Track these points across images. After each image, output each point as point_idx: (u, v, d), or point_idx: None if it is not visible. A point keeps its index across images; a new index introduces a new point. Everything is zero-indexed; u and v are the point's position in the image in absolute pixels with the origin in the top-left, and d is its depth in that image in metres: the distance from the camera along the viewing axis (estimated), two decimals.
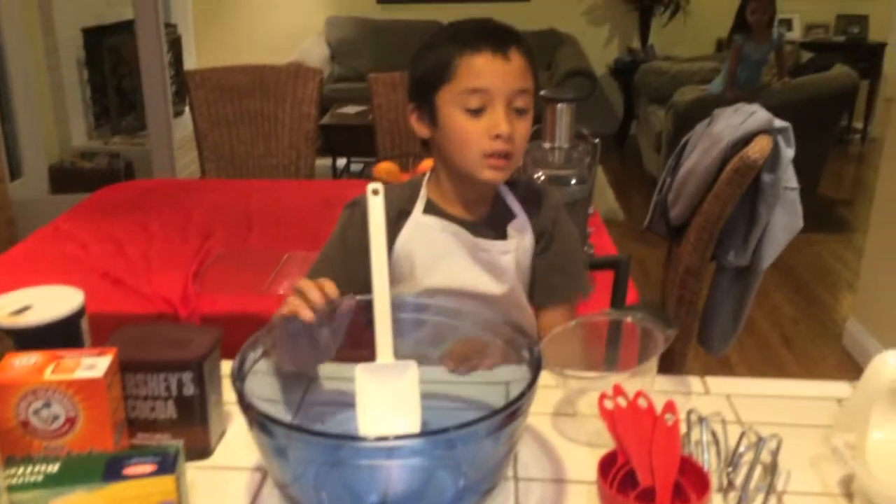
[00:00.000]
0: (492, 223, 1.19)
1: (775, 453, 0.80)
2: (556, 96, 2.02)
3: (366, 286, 1.02)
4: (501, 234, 1.18)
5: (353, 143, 4.21)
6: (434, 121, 1.12)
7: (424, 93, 1.12)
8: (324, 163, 4.50)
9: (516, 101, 1.09)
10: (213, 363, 0.83)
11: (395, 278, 1.17)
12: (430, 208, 1.18)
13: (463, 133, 1.09)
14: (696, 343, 2.04)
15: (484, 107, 1.08)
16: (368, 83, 2.89)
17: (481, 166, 1.10)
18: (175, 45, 4.78)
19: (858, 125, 5.56)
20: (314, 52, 5.27)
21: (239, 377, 0.74)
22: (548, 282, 1.22)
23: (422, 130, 1.16)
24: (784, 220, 1.88)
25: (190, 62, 5.21)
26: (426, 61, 1.12)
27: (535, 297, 1.22)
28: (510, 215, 1.20)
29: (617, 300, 1.74)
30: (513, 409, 0.72)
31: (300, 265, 1.90)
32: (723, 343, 2.07)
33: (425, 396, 0.87)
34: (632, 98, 5.39)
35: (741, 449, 0.82)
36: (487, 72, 1.07)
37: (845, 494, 0.78)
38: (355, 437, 0.77)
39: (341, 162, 4.56)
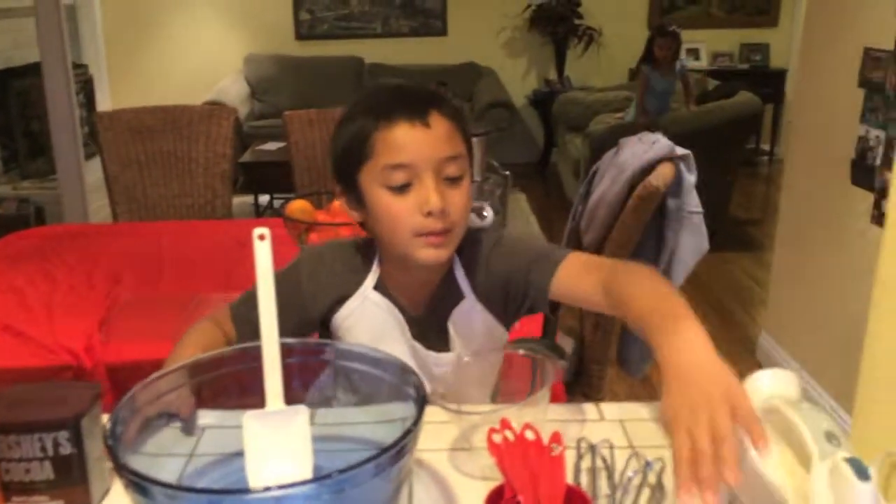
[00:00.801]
0: (436, 314, 1.09)
1: (660, 475, 0.82)
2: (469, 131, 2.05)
3: (294, 333, 1.00)
4: (443, 330, 1.09)
5: (274, 179, 4.18)
6: (361, 202, 1.04)
7: (346, 173, 1.03)
8: (246, 200, 4.47)
9: (446, 170, 0.99)
10: (92, 420, 0.80)
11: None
12: (380, 285, 1.10)
13: (390, 213, 1.00)
14: (617, 365, 2.08)
15: (410, 182, 0.99)
16: (283, 121, 2.88)
17: (417, 245, 1.01)
18: (87, 87, 4.68)
19: (766, 147, 5.82)
20: (233, 89, 5.23)
21: (112, 436, 0.72)
22: (532, 282, 1.06)
23: (353, 214, 1.07)
24: (690, 243, 1.95)
25: (104, 103, 5.10)
26: (343, 139, 1.03)
27: (538, 296, 1.06)
28: (456, 297, 1.09)
29: (548, 330, 1.75)
30: (399, 448, 0.72)
31: (211, 309, 1.87)
32: (641, 364, 2.12)
33: (321, 439, 0.86)
34: (551, 127, 5.52)
35: (629, 473, 0.84)
36: (407, 144, 0.98)
37: None
38: (234, 491, 0.75)
39: (265, 199, 4.52)
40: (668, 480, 0.84)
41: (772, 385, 0.80)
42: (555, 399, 1.67)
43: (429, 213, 0.98)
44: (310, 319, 1.12)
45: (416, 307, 1.11)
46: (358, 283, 1.11)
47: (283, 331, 0.99)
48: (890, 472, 0.75)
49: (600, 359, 2.04)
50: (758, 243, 4.22)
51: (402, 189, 0.99)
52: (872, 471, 0.63)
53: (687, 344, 0.74)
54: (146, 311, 1.89)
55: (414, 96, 1.02)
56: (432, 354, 1.06)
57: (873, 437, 0.79)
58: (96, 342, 1.72)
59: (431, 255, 1.01)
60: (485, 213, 2.00)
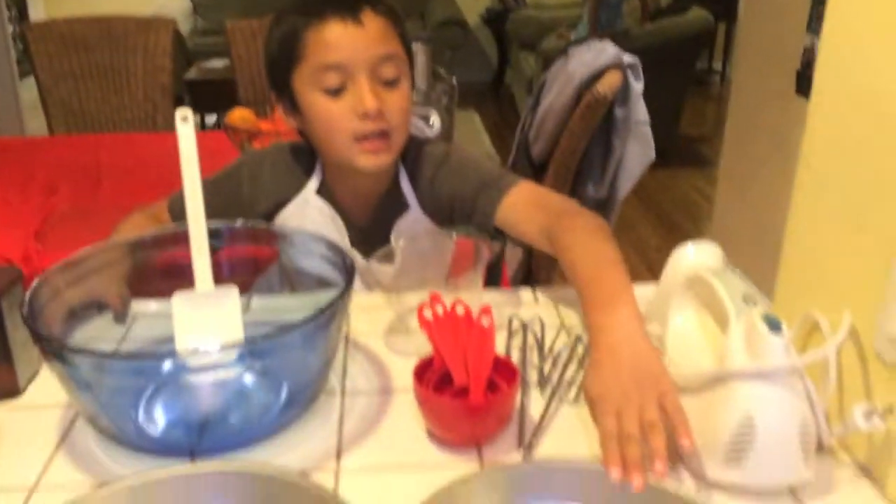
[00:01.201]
0: (380, 225, 1.07)
1: (588, 347, 0.84)
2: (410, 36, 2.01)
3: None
4: (387, 240, 1.04)
5: (220, 97, 4.04)
6: (297, 108, 1.01)
7: (280, 77, 1.00)
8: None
9: (382, 71, 0.96)
10: (12, 302, 0.78)
11: None
12: (323, 189, 1.08)
13: (326, 117, 0.97)
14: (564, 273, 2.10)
15: (344, 84, 0.96)
16: (226, 33, 2.78)
17: (355, 152, 0.98)
18: (18, 0, 4.44)
19: (718, 66, 5.82)
20: (174, 4, 5.02)
21: (30, 310, 0.70)
22: (478, 207, 1.04)
23: (289, 120, 1.04)
24: (637, 153, 1.96)
25: (37, 16, 4.85)
26: (274, 40, 1.00)
27: (482, 223, 1.05)
28: (401, 207, 1.07)
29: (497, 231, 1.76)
30: (326, 315, 0.72)
31: None
32: None
33: (255, 325, 0.86)
34: (505, 46, 5.44)
35: (558, 346, 0.86)
36: (340, 43, 0.94)
37: None
38: (161, 355, 0.75)
39: (212, 119, 4.39)
40: None
41: (696, 256, 0.81)
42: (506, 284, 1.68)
43: (364, 115, 0.96)
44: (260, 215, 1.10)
45: (361, 216, 1.09)
46: (299, 187, 1.08)
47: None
48: (810, 333, 0.78)
49: (548, 266, 2.06)
50: (707, 160, 4.26)
51: (337, 92, 0.96)
52: (784, 324, 0.65)
53: (621, 325, 0.73)
54: (84, 220, 1.85)
55: None
56: (374, 264, 1.03)
57: (795, 303, 0.81)
58: (33, 251, 1.68)
59: (371, 161, 0.99)
60: (431, 121, 1.98)
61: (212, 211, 0.81)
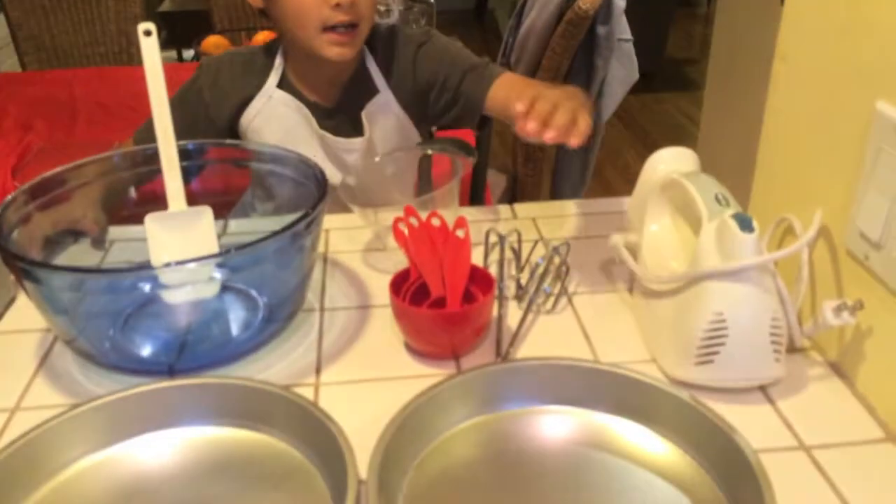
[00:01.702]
0: (348, 107, 1.09)
1: (564, 258, 0.84)
2: None
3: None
4: (357, 121, 1.09)
5: (197, 30, 3.95)
6: None
7: None
8: (170, 55, 4.24)
9: None
10: None
11: None
12: (285, 83, 1.09)
13: (297, 4, 0.98)
14: (550, 199, 2.10)
15: None
16: None
17: (323, 42, 1.00)
18: None
19: None
20: None
21: (0, 233, 0.69)
22: (465, 91, 1.07)
23: (257, 1, 1.05)
24: (620, 73, 1.93)
25: None
26: None
27: (471, 107, 1.07)
28: (370, 91, 1.09)
29: (481, 159, 1.75)
30: (300, 227, 0.71)
31: None
32: (573, 198, 2.15)
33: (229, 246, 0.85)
34: None
35: (535, 259, 0.86)
36: None
37: (629, 289, 0.84)
38: (135, 268, 0.75)
39: (189, 54, 4.29)
40: (577, 266, 0.87)
41: (670, 160, 0.81)
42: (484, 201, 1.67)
43: (337, 5, 0.97)
44: (218, 130, 1.11)
45: (326, 101, 1.10)
46: (260, 84, 1.09)
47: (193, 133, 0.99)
48: (783, 235, 0.78)
49: (532, 193, 2.05)
50: (694, 83, 4.21)
51: None
52: (756, 223, 0.65)
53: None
54: (62, 157, 1.80)
55: None
56: (341, 140, 1.07)
57: (770, 205, 0.81)
58: (11, 187, 1.66)
59: (337, 52, 1.01)
60: (390, 9, 1.92)
61: (179, 125, 0.80)
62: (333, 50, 1.01)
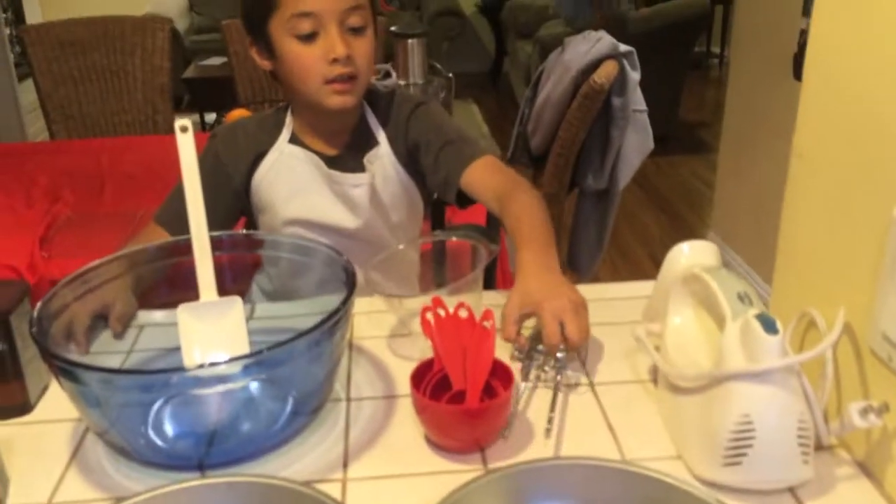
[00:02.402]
0: (352, 154, 1.18)
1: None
2: (406, 31, 2.01)
3: (225, 212, 1.17)
4: (360, 166, 1.18)
5: (219, 95, 4.05)
6: (272, 52, 1.10)
7: (257, 24, 1.09)
8: (192, 119, 4.34)
9: (350, 20, 1.07)
10: (21, 317, 0.79)
11: (257, 206, 1.19)
12: (294, 138, 1.18)
13: (299, 61, 1.07)
14: (566, 267, 2.11)
15: (316, 31, 1.06)
16: (223, 31, 2.78)
17: (325, 93, 1.08)
18: (14, 2, 4.44)
19: (716, 50, 5.80)
20: (170, 2, 5.02)
21: (38, 327, 0.71)
22: (444, 162, 1.15)
23: (263, 63, 1.14)
24: (635, 142, 1.96)
25: (34, 18, 4.85)
26: None
27: (447, 188, 1.15)
28: (371, 142, 1.18)
29: (493, 233, 1.78)
30: (329, 324, 0.73)
31: None
32: (590, 264, 2.16)
33: (259, 332, 0.87)
34: (502, 35, 5.42)
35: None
36: None
37: (653, 380, 0.84)
38: (168, 370, 0.76)
39: (212, 117, 4.40)
40: (597, 347, 0.88)
41: (692, 254, 0.82)
42: (501, 286, 1.69)
43: (335, 60, 1.06)
44: (237, 187, 1.17)
45: (333, 151, 1.18)
46: (272, 141, 1.17)
47: (219, 209, 1.09)
48: (806, 329, 0.78)
49: None
50: (707, 146, 4.26)
51: (310, 38, 1.06)
52: (779, 324, 0.66)
53: (540, 257, 0.93)
54: (88, 226, 1.87)
55: None
56: (349, 175, 1.15)
57: (791, 300, 0.82)
58: (38, 259, 1.70)
59: (338, 101, 1.09)
60: (390, 73, 1.99)
61: (204, 189, 0.85)
62: (335, 99, 1.09)
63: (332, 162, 1.17)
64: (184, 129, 0.86)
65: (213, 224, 0.85)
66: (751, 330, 0.66)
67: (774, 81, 2.54)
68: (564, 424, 0.78)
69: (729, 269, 0.77)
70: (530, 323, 0.89)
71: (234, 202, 1.18)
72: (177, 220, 0.94)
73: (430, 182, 1.19)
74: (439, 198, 1.27)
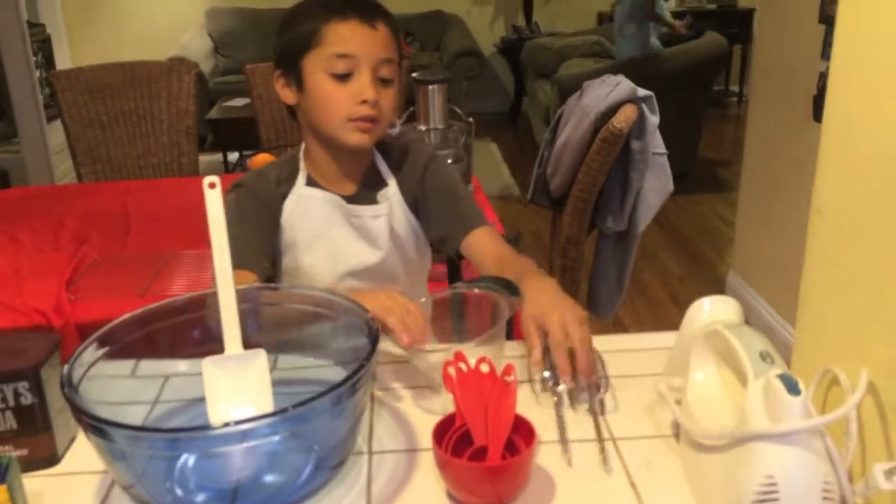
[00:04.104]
0: (365, 193, 1.23)
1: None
2: (427, 78, 2.04)
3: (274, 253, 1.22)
4: (375, 201, 1.23)
5: (243, 135, 4.12)
6: (301, 86, 1.15)
7: (291, 58, 1.15)
8: (216, 158, 4.42)
9: (382, 71, 1.13)
10: (52, 370, 0.81)
11: (280, 250, 1.23)
12: (310, 181, 1.23)
13: (328, 98, 1.12)
14: (586, 308, 2.11)
15: (350, 72, 1.11)
16: (246, 75, 2.84)
17: (347, 129, 1.13)
18: (44, 46, 4.56)
19: (735, 88, 5.82)
20: (196, 45, 5.13)
21: (69, 384, 0.73)
22: (449, 219, 1.24)
23: (287, 97, 1.18)
24: (655, 185, 1.97)
25: (63, 63, 4.97)
26: (294, 27, 1.14)
27: (448, 243, 1.25)
28: (382, 183, 1.24)
29: (514, 286, 1.79)
30: (353, 381, 0.73)
31: (183, 265, 1.87)
32: (610, 306, 2.16)
33: (280, 384, 0.88)
34: (521, 75, 5.48)
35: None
36: (355, 38, 1.11)
37: (675, 435, 0.84)
38: (191, 428, 0.77)
39: (234, 157, 4.47)
40: (618, 399, 0.88)
41: (713, 310, 0.82)
42: (521, 337, 1.69)
43: (363, 102, 1.11)
44: (274, 215, 1.21)
45: (347, 192, 1.23)
46: (290, 185, 1.22)
47: (270, 242, 1.20)
48: (829, 387, 0.78)
49: None
50: (727, 184, 4.26)
51: (343, 78, 1.12)
52: (802, 385, 0.66)
53: (544, 280, 1.04)
54: (114, 269, 1.89)
55: (366, 2, 1.15)
56: (368, 208, 1.22)
57: (813, 357, 0.82)
58: (65, 302, 1.72)
59: (358, 138, 1.14)
60: (394, 123, 2.04)
61: (255, 226, 1.05)
62: (356, 136, 1.14)
63: (348, 200, 1.22)
64: (212, 186, 0.88)
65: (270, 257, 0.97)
66: (773, 390, 0.66)
67: (794, 122, 2.55)
68: (586, 480, 0.78)
69: (750, 324, 0.78)
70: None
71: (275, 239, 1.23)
72: (251, 260, 1.08)
73: (432, 233, 1.26)
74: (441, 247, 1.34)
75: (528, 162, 4.73)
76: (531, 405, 0.91)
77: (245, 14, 5.43)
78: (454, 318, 1.02)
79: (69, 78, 2.76)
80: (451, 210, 1.24)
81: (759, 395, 0.67)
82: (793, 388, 0.65)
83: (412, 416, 0.90)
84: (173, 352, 0.91)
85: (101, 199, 2.35)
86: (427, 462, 0.82)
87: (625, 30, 4.34)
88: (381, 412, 0.91)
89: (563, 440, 0.84)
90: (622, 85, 1.86)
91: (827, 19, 2.32)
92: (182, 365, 0.94)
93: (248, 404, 0.84)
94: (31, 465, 0.80)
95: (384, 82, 1.14)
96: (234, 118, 4.21)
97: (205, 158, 2.97)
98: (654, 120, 1.86)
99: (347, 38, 1.11)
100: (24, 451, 0.80)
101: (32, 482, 0.79)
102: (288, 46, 1.15)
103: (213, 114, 4.30)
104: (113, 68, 2.79)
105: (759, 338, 0.74)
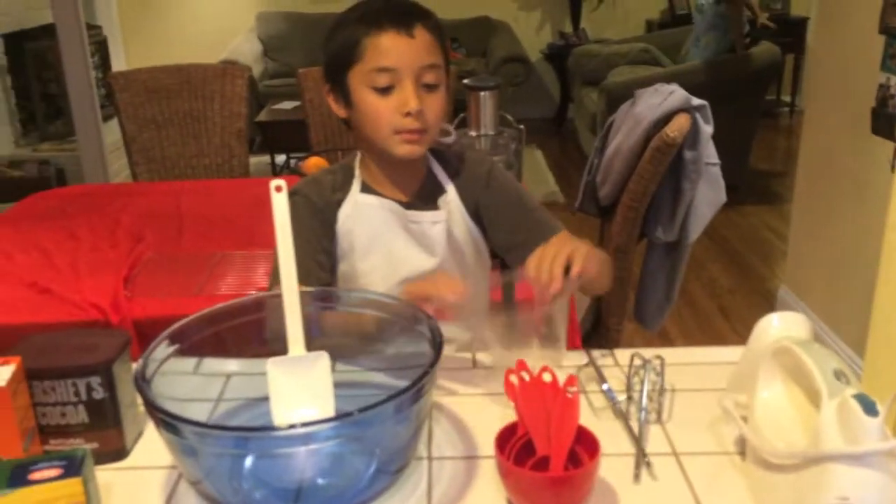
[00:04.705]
0: (422, 199, 1.22)
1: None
2: (478, 84, 2.05)
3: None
4: (435, 207, 1.22)
5: (291, 138, 4.17)
6: (348, 101, 1.15)
7: (337, 73, 1.15)
8: (263, 160, 4.48)
9: (425, 77, 1.11)
10: (122, 366, 0.83)
11: (337, 256, 1.22)
12: (366, 188, 1.22)
13: (374, 111, 1.12)
14: (633, 319, 2.09)
15: (393, 85, 1.11)
16: (297, 79, 2.88)
17: (394, 142, 1.13)
18: (101, 48, 4.68)
19: (787, 98, 5.72)
20: (246, 48, 5.21)
21: (142, 378, 0.75)
22: (519, 235, 1.22)
23: (339, 111, 1.19)
24: (708, 195, 1.94)
25: (118, 64, 5.09)
26: (335, 42, 1.14)
27: (518, 251, 1.19)
28: (440, 190, 1.23)
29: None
30: (416, 388, 0.74)
31: (233, 265, 1.90)
32: (658, 317, 2.13)
33: (340, 386, 0.89)
34: (567, 81, 5.45)
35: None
36: (393, 50, 1.09)
37: (740, 453, 0.83)
38: (261, 428, 0.78)
39: (281, 158, 4.53)
40: (681, 415, 0.87)
41: (782, 327, 0.81)
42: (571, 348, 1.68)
43: (407, 114, 1.10)
44: (330, 222, 1.21)
45: (405, 196, 1.22)
46: (345, 193, 1.22)
47: (326, 249, 1.19)
48: None
49: (617, 312, 2.04)
50: (779, 196, 4.18)
51: (386, 91, 1.11)
52: (880, 406, 0.64)
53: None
54: (169, 267, 1.92)
55: (402, 8, 1.13)
56: (427, 213, 1.21)
57: (885, 378, 0.80)
58: (122, 298, 1.75)
59: (406, 150, 1.14)
60: (449, 132, 2.03)
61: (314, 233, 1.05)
62: (404, 148, 1.13)
63: (406, 206, 1.22)
64: (279, 189, 0.90)
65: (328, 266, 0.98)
66: (849, 410, 0.64)
67: (851, 135, 2.49)
68: (650, 495, 0.77)
69: (821, 342, 0.76)
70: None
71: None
72: (304, 274, 1.03)
73: (498, 241, 1.24)
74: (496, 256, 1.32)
75: (573, 169, 4.70)
76: (590, 415, 0.90)
77: (294, 18, 5.49)
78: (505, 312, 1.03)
79: (127, 79, 2.82)
80: (522, 219, 1.22)
81: (833, 415, 0.66)
82: (870, 409, 0.64)
83: (471, 423, 0.90)
84: (238, 351, 0.93)
85: (156, 198, 2.39)
86: (486, 469, 0.82)
87: (702, 39, 4.28)
88: (441, 418, 0.92)
89: (640, 455, 0.83)
90: (676, 94, 1.84)
91: (887, 30, 2.26)
92: (243, 364, 0.95)
93: (311, 406, 0.85)
94: (100, 458, 0.82)
95: (429, 88, 1.13)
96: (283, 121, 4.26)
97: (253, 160, 3.01)
98: (707, 130, 1.84)
99: (385, 51, 1.10)
100: (95, 445, 0.82)
101: (102, 475, 0.81)
102: (332, 62, 1.15)
103: (263, 116, 4.36)
104: (169, 70, 2.85)
105: (833, 356, 0.73)
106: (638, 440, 0.84)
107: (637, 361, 0.94)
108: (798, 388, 0.77)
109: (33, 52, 4.28)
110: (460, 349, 1.25)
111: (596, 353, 1.04)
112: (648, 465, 0.81)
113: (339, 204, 1.21)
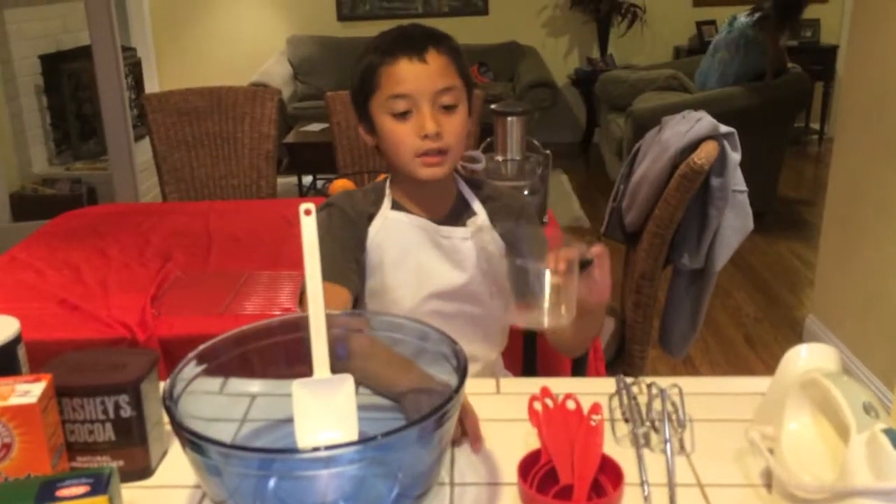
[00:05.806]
0: (452, 219, 1.25)
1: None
2: (506, 110, 2.06)
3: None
4: (464, 225, 1.25)
5: (318, 160, 4.22)
6: (373, 129, 1.20)
7: (361, 104, 1.20)
8: (290, 181, 4.53)
9: (442, 99, 1.15)
10: (150, 385, 0.84)
11: (367, 270, 1.24)
12: (396, 206, 1.25)
13: (394, 137, 1.16)
14: (658, 345, 2.07)
15: (410, 109, 1.14)
16: (326, 101, 2.91)
17: (416, 165, 1.17)
18: (135, 69, 4.77)
19: (816, 126, 5.68)
20: (276, 71, 5.29)
21: (170, 398, 0.76)
22: None
23: (368, 139, 1.23)
24: (735, 223, 1.93)
25: (151, 86, 5.20)
26: (357, 74, 1.19)
27: None
28: (470, 212, 1.26)
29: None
30: (440, 413, 0.74)
31: (259, 285, 1.92)
32: (683, 344, 2.11)
33: (365, 408, 0.89)
34: (593, 107, 5.46)
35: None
36: (406, 77, 1.13)
37: (766, 485, 0.81)
38: (285, 450, 0.79)
39: (308, 179, 4.58)
40: (706, 445, 0.86)
41: (811, 358, 0.80)
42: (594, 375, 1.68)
43: (425, 136, 1.14)
44: (361, 238, 1.24)
45: (435, 216, 1.25)
46: (377, 208, 1.25)
47: (358, 259, 1.21)
48: None
49: (641, 339, 2.03)
50: (807, 224, 4.14)
51: (404, 116, 1.15)
52: None
53: None
54: (196, 286, 1.95)
55: (414, 35, 1.17)
56: (458, 229, 1.23)
57: None
58: (149, 316, 1.78)
59: (429, 172, 1.17)
60: (476, 159, 2.04)
61: (346, 243, 1.10)
62: (426, 171, 1.17)
63: (437, 222, 1.24)
64: (307, 213, 0.91)
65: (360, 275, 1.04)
66: (879, 445, 0.64)
67: (881, 163, 2.47)
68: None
69: (849, 373, 0.75)
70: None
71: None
72: (342, 275, 1.12)
73: None
74: None
75: (598, 194, 4.70)
76: (613, 444, 0.89)
77: (324, 42, 5.57)
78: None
79: (160, 100, 2.88)
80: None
81: (862, 450, 0.65)
82: None
83: (493, 448, 0.90)
84: (264, 372, 0.94)
85: (185, 217, 2.43)
86: (509, 496, 0.81)
87: (720, 52, 4.27)
88: (464, 444, 0.91)
89: (672, 488, 0.82)
90: (704, 121, 1.84)
91: None
92: (268, 385, 0.96)
93: (335, 429, 0.85)
94: (126, 476, 0.83)
95: (447, 108, 1.16)
96: (311, 143, 4.30)
97: (280, 181, 3.05)
98: (735, 157, 1.83)
99: (399, 79, 1.14)
100: (121, 463, 0.83)
101: (127, 493, 0.81)
102: (356, 92, 1.20)
103: (291, 138, 4.41)
104: (201, 92, 2.90)
105: (862, 389, 0.72)
106: (669, 473, 0.83)
107: (654, 391, 0.93)
108: (826, 420, 0.76)
109: (69, 73, 4.38)
110: (485, 369, 1.25)
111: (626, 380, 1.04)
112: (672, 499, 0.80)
113: (370, 218, 1.24)
